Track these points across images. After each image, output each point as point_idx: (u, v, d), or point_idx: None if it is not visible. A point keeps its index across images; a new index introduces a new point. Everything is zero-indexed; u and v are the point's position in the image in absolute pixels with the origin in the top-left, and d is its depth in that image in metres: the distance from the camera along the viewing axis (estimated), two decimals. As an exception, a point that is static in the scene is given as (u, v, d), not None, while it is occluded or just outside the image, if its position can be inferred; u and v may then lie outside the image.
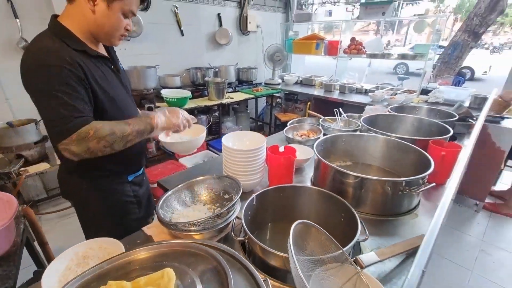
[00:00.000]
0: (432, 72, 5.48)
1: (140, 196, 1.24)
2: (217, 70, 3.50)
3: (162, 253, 0.69)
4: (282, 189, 1.02)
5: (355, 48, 3.42)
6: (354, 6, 2.99)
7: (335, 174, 1.11)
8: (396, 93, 3.10)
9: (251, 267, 0.59)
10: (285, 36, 4.39)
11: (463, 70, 6.03)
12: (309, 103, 3.50)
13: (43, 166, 1.88)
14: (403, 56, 3.00)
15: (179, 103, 2.60)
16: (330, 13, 3.48)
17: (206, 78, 3.08)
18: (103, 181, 1.08)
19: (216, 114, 3.19)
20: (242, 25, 3.81)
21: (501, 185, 2.88)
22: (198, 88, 3.24)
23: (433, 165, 1.09)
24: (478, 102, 2.61)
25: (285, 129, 1.85)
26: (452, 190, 0.75)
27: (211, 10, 3.45)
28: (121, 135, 0.89)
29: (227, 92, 3.38)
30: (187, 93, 2.71)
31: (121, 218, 1.16)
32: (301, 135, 1.87)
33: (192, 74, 3.25)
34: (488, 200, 2.53)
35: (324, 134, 1.80)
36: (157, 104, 2.71)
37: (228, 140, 1.25)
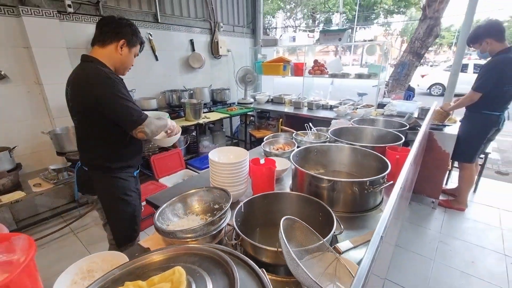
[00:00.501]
0: (386, 88, 6.13)
1: (139, 190, 1.56)
2: (192, 92, 3.63)
3: (169, 256, 0.77)
4: (266, 196, 1.15)
5: (318, 69, 3.77)
6: (313, 32, 3.35)
7: (311, 180, 1.27)
8: (357, 108, 3.45)
9: (249, 261, 0.70)
10: (254, 58, 4.69)
11: (412, 86, 6.80)
12: (281, 119, 3.75)
13: (17, 195, 1.82)
14: (359, 76, 3.39)
15: (157, 125, 2.66)
16: (293, 39, 3.80)
17: (183, 100, 3.19)
18: (119, 173, 1.38)
19: (194, 134, 3.28)
20: (214, 50, 4.03)
21: (452, 184, 3.28)
22: (174, 110, 3.34)
23: (390, 166, 1.30)
24: (425, 113, 3.02)
25: (262, 144, 2.01)
26: (399, 185, 0.92)
27: (184, 37, 3.63)
28: (160, 125, 1.40)
29: (203, 112, 3.51)
30: (164, 114, 2.79)
31: (134, 207, 1.47)
32: (277, 149, 2.05)
33: (168, 97, 3.34)
34: (442, 197, 2.88)
35: (298, 147, 1.99)
36: (134, 127, 2.75)
37: (214, 155, 1.37)
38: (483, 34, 2.29)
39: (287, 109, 3.91)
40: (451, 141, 2.50)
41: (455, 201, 2.76)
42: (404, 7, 27.63)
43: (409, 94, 6.77)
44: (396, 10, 29.54)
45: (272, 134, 2.31)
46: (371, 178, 1.20)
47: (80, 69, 1.24)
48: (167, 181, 2.77)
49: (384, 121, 2.45)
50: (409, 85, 6.63)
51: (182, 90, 3.56)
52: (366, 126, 2.14)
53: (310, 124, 2.36)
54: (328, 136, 1.93)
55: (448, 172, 3.09)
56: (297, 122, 3.72)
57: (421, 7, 5.56)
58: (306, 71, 3.92)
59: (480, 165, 2.98)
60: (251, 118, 4.44)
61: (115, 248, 1.40)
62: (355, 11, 28.55)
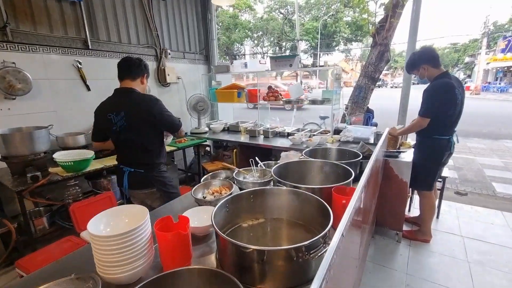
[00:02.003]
0: (346, 111, 6.20)
1: None
2: (133, 124, 3.24)
3: None
4: (172, 275, 0.82)
5: (273, 95, 3.61)
6: (264, 58, 3.29)
7: (231, 247, 0.95)
8: (314, 135, 3.28)
9: None
10: (208, 86, 4.46)
11: (371, 108, 7.00)
12: (235, 150, 3.45)
13: None
14: (313, 102, 3.26)
15: (76, 167, 2.23)
16: (245, 65, 3.68)
17: (116, 135, 2.78)
18: (163, 166, 1.96)
19: (132, 172, 2.85)
20: (161, 78, 3.73)
21: (414, 210, 3.13)
22: (109, 145, 2.90)
23: (331, 219, 1.03)
24: (379, 138, 2.91)
25: (193, 189, 1.67)
26: (340, 231, 0.73)
27: (124, 64, 3.30)
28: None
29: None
30: (89, 153, 2.37)
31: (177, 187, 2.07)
32: (213, 193, 1.72)
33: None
34: (405, 227, 2.69)
35: (241, 189, 1.69)
36: (50, 169, 2.28)
37: (99, 223, 1.01)
38: (419, 61, 2.29)
39: (243, 138, 3.64)
40: (407, 169, 2.35)
41: (419, 232, 2.57)
42: (360, 35, 30.18)
43: (369, 115, 6.92)
44: (354, 38, 32.24)
45: (211, 173, 1.99)
46: (307, 242, 0.90)
47: (132, 96, 1.74)
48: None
49: (337, 151, 2.25)
50: (368, 107, 6.84)
51: (121, 122, 3.16)
52: (316, 159, 1.90)
53: (257, 158, 2.09)
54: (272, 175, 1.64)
55: (409, 199, 2.94)
56: (252, 153, 3.46)
57: (371, 34, 5.81)
58: (260, 97, 3.74)
59: (438, 189, 2.87)
60: (207, 148, 4.11)
61: None
62: (317, 39, 30.50)
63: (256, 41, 33.07)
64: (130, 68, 1.78)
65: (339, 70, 3.27)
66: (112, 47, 3.17)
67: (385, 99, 14.05)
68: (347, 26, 30.28)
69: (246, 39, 32.19)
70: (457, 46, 36.49)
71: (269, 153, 3.39)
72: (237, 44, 31.52)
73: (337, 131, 3.25)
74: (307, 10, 32.74)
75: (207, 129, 4.05)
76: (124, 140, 1.76)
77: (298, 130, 3.70)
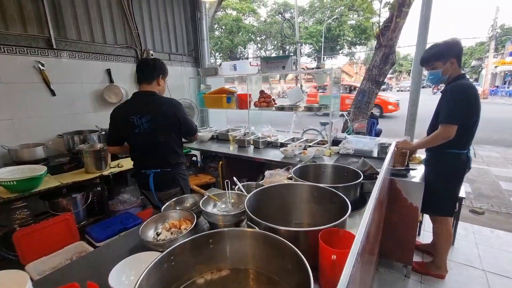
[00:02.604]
0: (349, 117, 5.80)
1: None
2: (106, 132, 2.89)
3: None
4: None
5: (264, 101, 3.24)
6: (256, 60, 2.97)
7: None
8: (309, 146, 2.90)
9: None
10: (197, 90, 4.11)
11: (374, 113, 6.60)
12: (221, 162, 3.08)
13: None
14: (308, 109, 2.88)
15: (21, 186, 1.87)
16: (235, 67, 3.33)
17: (79, 147, 2.43)
18: (184, 166, 2.04)
19: (99, 188, 2.49)
20: (142, 81, 3.39)
21: (425, 235, 2.72)
22: (75, 157, 2.55)
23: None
24: (385, 151, 2.51)
25: (143, 224, 1.30)
26: None
27: (97, 66, 2.97)
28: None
29: (119, 158, 2.77)
30: (40, 169, 2.02)
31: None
32: (170, 228, 1.35)
33: (67, 141, 2.57)
34: (416, 257, 2.28)
35: (209, 223, 1.33)
36: (-7, 189, 1.93)
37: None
38: (449, 52, 1.85)
39: (232, 147, 3.27)
40: (418, 191, 1.95)
41: (432, 265, 2.16)
42: (364, 39, 29.83)
43: (373, 121, 6.51)
44: (358, 42, 31.89)
45: (175, 199, 1.62)
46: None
47: (156, 100, 1.77)
48: (42, 266, 1.91)
49: (334, 169, 1.88)
50: (372, 112, 6.42)
51: (93, 131, 2.81)
52: (303, 183, 1.51)
53: (235, 178, 1.73)
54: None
55: (419, 224, 2.53)
56: (241, 165, 3.09)
57: (375, 36, 5.43)
58: (252, 103, 3.37)
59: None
60: (193, 159, 3.75)
61: None
62: (321, 43, 30.23)
63: (259, 45, 32.88)
64: (143, 72, 1.79)
65: (338, 73, 2.89)
66: (84, 47, 2.83)
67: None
68: (351, 29, 29.98)
69: (249, 42, 32.00)
70: (464, 49, 35.80)
71: (261, 166, 3.01)
72: (241, 48, 31.37)
73: (336, 142, 2.86)
74: (311, 14, 32.52)
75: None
76: (149, 142, 1.78)
77: (293, 139, 3.31)
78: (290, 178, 1.79)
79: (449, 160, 1.92)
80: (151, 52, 3.45)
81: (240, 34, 29.68)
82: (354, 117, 5.83)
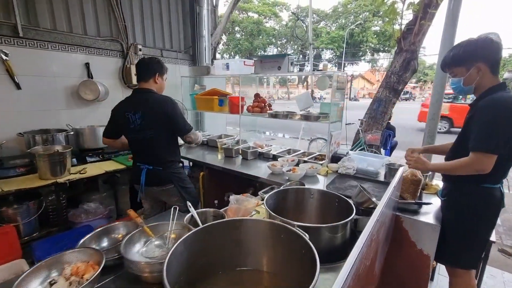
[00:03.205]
0: (361, 127, 5.27)
1: None
2: (78, 132, 2.61)
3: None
4: None
5: (258, 106, 2.84)
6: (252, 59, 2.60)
7: None
8: (304, 161, 2.46)
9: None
10: (191, 90, 3.78)
11: (392, 125, 6.00)
12: (202, 173, 2.70)
13: None
14: (305, 117, 2.44)
15: None
16: (227, 67, 2.97)
17: (34, 148, 2.14)
18: (179, 164, 2.12)
19: (54, 197, 2.18)
20: (127, 77, 3.10)
21: (440, 279, 2.21)
22: (32, 161, 2.27)
23: None
24: (394, 174, 2.05)
25: (25, 273, 0.94)
26: None
27: (74, 59, 2.70)
28: (198, 135, 2.11)
29: (89, 162, 2.48)
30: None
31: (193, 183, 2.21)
32: (71, 275, 0.98)
33: (28, 141, 2.30)
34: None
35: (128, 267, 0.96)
36: None
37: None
38: (474, 56, 1.36)
39: (220, 156, 2.90)
40: (432, 234, 1.47)
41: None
42: (388, 46, 28.73)
43: (389, 133, 5.92)
44: (382, 48, 30.79)
45: (104, 227, 1.26)
46: None
47: (149, 97, 1.81)
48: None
49: (321, 198, 1.48)
50: (389, 123, 5.84)
51: (61, 130, 2.54)
52: (265, 220, 1.10)
53: (189, 204, 1.37)
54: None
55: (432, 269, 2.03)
56: (225, 178, 2.69)
57: (396, 39, 4.90)
58: (245, 107, 2.99)
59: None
60: (180, 164, 3.40)
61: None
62: (343, 48, 29.48)
63: (279, 48, 32.56)
64: (140, 70, 1.85)
65: (342, 78, 2.44)
66: (58, 37, 2.57)
67: (411, 114, 12.75)
68: (375, 35, 29.04)
69: (269, 45, 31.76)
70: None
71: (252, 179, 2.60)
72: (260, 51, 31.19)
73: (336, 159, 2.41)
74: (334, 19, 31.85)
75: (181, 142, 3.34)
76: (142, 138, 1.83)
77: (289, 151, 2.89)
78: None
79: (477, 197, 1.43)
80: (139, 47, 3.16)
81: (260, 37, 29.52)
82: (367, 128, 5.30)
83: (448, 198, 1.56)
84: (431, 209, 1.62)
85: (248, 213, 1.42)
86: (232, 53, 29.52)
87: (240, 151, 2.80)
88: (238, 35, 29.78)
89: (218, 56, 3.89)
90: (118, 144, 2.02)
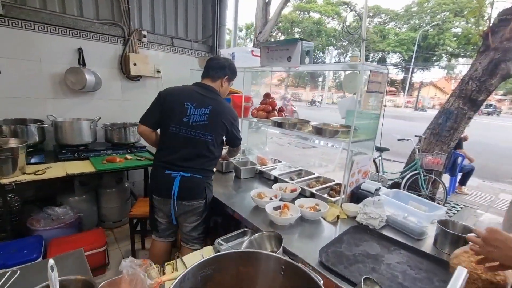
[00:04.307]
0: (418, 146, 4.12)
1: None
2: (57, 125, 2.31)
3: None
4: None
5: (264, 109, 2.18)
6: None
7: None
8: (313, 192, 1.71)
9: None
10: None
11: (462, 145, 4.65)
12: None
13: None
14: (317, 131, 1.68)
15: None
16: (233, 57, 2.39)
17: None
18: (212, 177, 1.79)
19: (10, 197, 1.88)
20: (126, 67, 2.75)
21: None
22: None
23: None
24: (451, 240, 1.19)
25: None
26: None
27: (66, 43, 2.43)
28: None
29: (54, 161, 2.15)
30: None
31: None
32: None
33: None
34: None
35: None
36: None
37: None
38: None
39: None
40: None
41: None
42: (471, 50, 24.60)
43: (457, 155, 4.60)
44: (462, 53, 26.60)
45: None
46: None
47: (218, 98, 1.63)
48: None
49: (288, 280, 0.75)
50: (460, 142, 4.51)
51: (38, 121, 2.28)
52: None
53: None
54: None
55: None
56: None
57: (481, 34, 3.67)
58: (251, 109, 2.36)
59: None
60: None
61: (198, 244, 1.69)
62: (413, 52, 26.39)
63: (340, 50, 30.77)
64: (212, 66, 1.66)
65: (381, 77, 1.61)
66: (47, 18, 2.30)
67: (495, 132, 10.35)
68: (454, 38, 25.18)
69: (328, 47, 30.21)
70: None
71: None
72: (319, 52, 29.91)
73: (358, 196, 1.61)
74: (405, 19, 28.79)
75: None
76: (194, 137, 1.54)
77: (300, 173, 2.16)
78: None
79: None
80: (145, 33, 2.78)
81: (319, 38, 28.27)
82: (428, 147, 4.12)
83: None
84: None
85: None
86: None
87: (233, 165, 2.17)
88: (297, 36, 28.99)
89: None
90: (153, 138, 1.65)
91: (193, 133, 1.54)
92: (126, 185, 2.80)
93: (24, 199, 2.41)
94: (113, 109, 2.77)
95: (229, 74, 1.69)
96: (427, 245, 1.29)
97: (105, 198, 2.63)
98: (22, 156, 1.87)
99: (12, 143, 1.91)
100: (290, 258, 1.18)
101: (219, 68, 1.64)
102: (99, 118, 2.54)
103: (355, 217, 1.49)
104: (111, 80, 2.73)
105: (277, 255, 0.77)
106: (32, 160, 2.13)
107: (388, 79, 2.82)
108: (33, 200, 2.45)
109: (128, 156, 2.45)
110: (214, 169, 1.72)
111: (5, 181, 1.77)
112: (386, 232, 1.37)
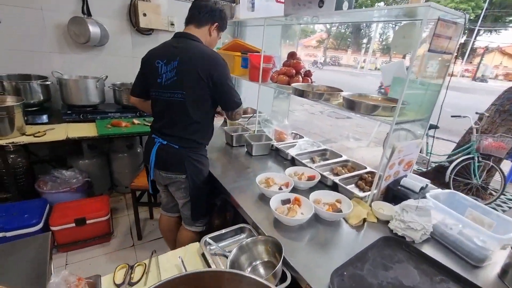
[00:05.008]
0: (477, 125, 3.41)
1: None
2: (62, 84, 2.15)
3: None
4: None
5: (286, 73, 1.77)
6: None
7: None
8: (334, 183, 1.37)
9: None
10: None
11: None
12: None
13: None
14: (350, 104, 1.26)
15: None
16: (252, 6, 1.93)
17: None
18: (205, 151, 1.47)
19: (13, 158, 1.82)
20: (135, 18, 2.44)
21: None
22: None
23: None
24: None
25: None
26: None
27: (66, -12, 2.15)
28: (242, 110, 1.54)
29: (58, 123, 2.03)
30: None
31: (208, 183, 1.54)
32: None
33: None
34: None
35: None
36: None
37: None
38: None
39: (220, 141, 2.06)
40: None
41: None
42: None
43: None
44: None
45: None
46: None
47: (192, 45, 1.26)
48: None
49: None
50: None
51: (42, 77, 2.13)
52: None
53: None
54: None
55: None
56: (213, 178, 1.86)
57: None
58: (271, 73, 1.96)
59: None
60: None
61: (194, 226, 1.50)
62: (482, 10, 22.50)
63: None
64: (196, 10, 1.31)
65: (453, 30, 1.11)
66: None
67: None
68: (542, -9, 20.67)
69: (379, 3, 26.67)
70: None
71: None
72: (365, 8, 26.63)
73: (395, 194, 1.24)
74: (477, -33, 23.94)
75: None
76: (167, 99, 1.29)
77: (323, 153, 1.80)
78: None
79: None
80: (156, -23, 2.39)
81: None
82: (490, 128, 3.40)
83: None
84: None
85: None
86: None
87: (244, 138, 1.87)
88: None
89: None
90: (146, 107, 1.47)
91: (167, 94, 1.29)
92: (139, 150, 2.67)
93: (39, 158, 2.40)
94: (122, 67, 2.54)
95: (219, 20, 1.36)
96: (488, 277, 0.92)
97: (117, 163, 2.53)
98: (19, 115, 1.75)
99: (9, 101, 1.78)
100: (291, 275, 0.91)
101: (207, 12, 1.31)
102: (106, 76, 2.33)
103: (388, 221, 1.14)
104: (119, 34, 2.45)
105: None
106: (36, 120, 2.03)
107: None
108: (48, 160, 2.43)
109: (136, 121, 2.26)
110: (204, 140, 1.41)
111: (2, 142, 1.67)
112: (430, 250, 1.01)
